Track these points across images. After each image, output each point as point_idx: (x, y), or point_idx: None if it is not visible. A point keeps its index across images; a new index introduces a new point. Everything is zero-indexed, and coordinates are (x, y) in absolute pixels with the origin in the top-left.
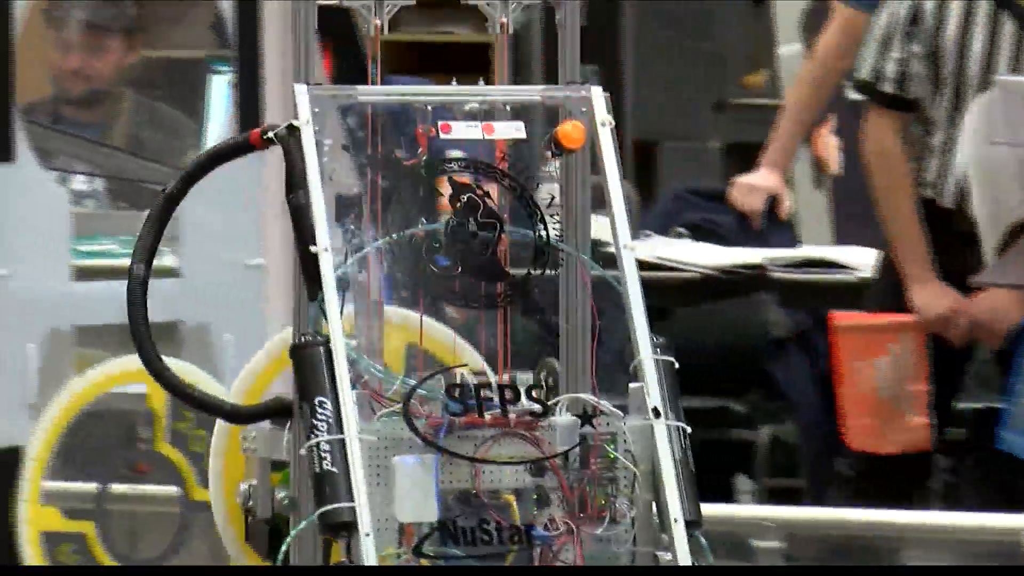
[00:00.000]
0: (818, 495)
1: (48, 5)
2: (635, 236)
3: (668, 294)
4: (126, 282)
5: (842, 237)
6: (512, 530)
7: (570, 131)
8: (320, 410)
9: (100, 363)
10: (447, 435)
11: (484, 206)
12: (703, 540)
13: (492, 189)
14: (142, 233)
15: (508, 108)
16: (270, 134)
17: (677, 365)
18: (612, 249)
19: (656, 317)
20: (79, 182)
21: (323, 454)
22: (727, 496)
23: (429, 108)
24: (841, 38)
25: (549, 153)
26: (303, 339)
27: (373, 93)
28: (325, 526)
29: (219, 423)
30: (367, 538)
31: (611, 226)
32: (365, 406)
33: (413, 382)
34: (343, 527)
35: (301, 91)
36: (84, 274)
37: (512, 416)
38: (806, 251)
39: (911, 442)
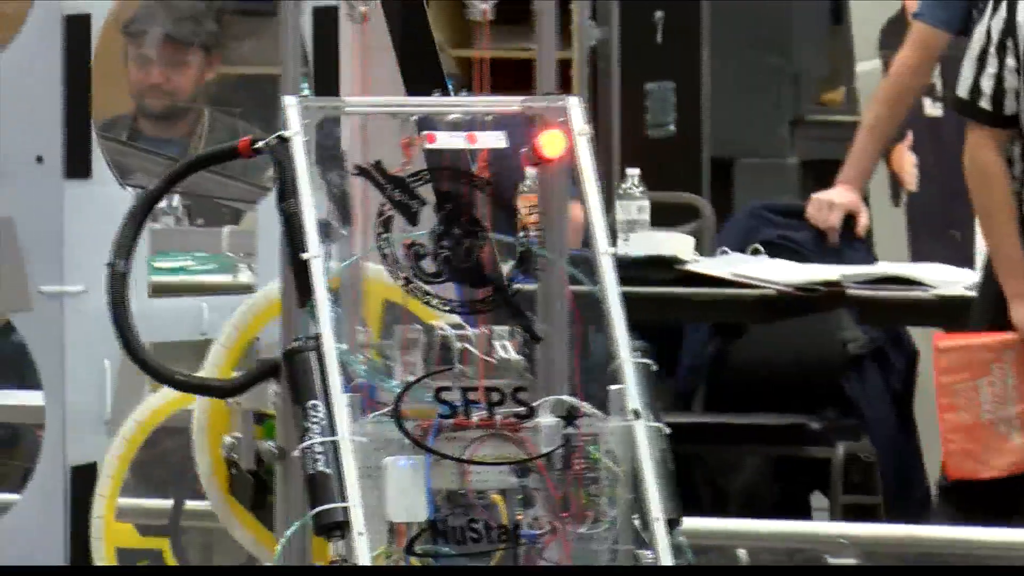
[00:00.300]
0: (894, 512)
1: (127, 20)
2: (712, 253)
3: (744, 311)
4: (109, 285)
5: (918, 254)
6: (500, 529)
7: (549, 141)
8: (313, 413)
9: None
10: (436, 437)
11: (468, 214)
12: (682, 538)
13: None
14: (122, 229)
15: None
16: (259, 144)
17: (655, 367)
18: (689, 267)
19: (732, 334)
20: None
21: (316, 456)
22: (803, 513)
23: (413, 119)
24: (917, 55)
25: (530, 162)
26: (296, 343)
27: (360, 104)
28: (319, 526)
29: (204, 371)
30: (361, 537)
31: (590, 233)
32: (356, 408)
33: (404, 384)
34: (337, 527)
35: (291, 103)
36: (160, 291)
37: (498, 418)
38: (882, 268)
39: (1013, 465)
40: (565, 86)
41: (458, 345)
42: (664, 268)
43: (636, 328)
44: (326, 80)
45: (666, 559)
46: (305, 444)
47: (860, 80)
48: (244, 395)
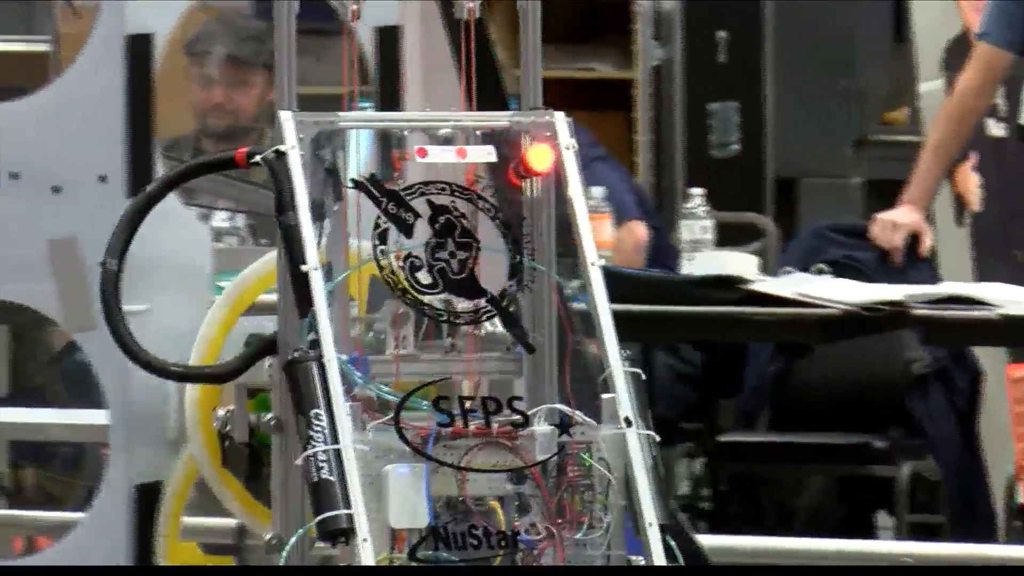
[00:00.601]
0: (959, 531)
1: (190, 40)
2: (776, 273)
3: (808, 331)
4: (101, 283)
5: (982, 274)
6: (499, 535)
7: (537, 155)
8: (316, 422)
9: None
10: (435, 444)
11: (461, 227)
12: (672, 543)
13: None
14: (116, 230)
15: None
16: (257, 158)
17: (644, 377)
18: (753, 287)
19: (796, 354)
20: (220, 219)
21: (320, 464)
22: (868, 532)
23: (406, 133)
24: (981, 75)
25: (517, 177)
26: (296, 354)
27: (353, 119)
28: (324, 532)
29: (193, 351)
30: (364, 543)
31: (578, 245)
32: (357, 418)
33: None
34: (341, 533)
35: (286, 117)
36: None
37: (495, 426)
38: (946, 288)
39: None
40: (629, 105)
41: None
42: (728, 288)
43: (700, 347)
44: (390, 97)
45: (658, 563)
46: (309, 452)
47: (923, 100)
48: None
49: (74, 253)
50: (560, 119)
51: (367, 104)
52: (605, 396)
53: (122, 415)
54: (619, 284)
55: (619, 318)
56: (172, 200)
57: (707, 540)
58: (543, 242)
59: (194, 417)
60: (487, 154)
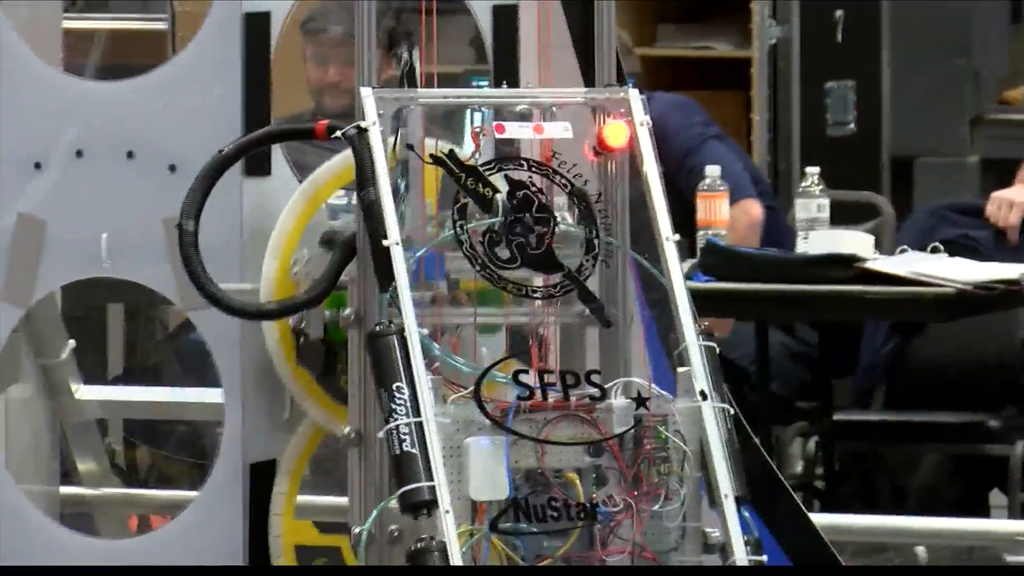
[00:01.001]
0: None
1: (305, 18)
2: (891, 251)
3: (923, 309)
4: (180, 243)
5: None
6: (578, 507)
7: (613, 132)
8: (398, 395)
9: None
10: (514, 418)
11: (538, 202)
12: (748, 514)
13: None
14: (191, 192)
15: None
16: (338, 133)
17: (719, 350)
18: (868, 265)
19: (911, 332)
20: (335, 196)
21: (402, 436)
22: (982, 511)
23: (484, 109)
24: None
25: (593, 152)
26: (378, 327)
27: (432, 96)
28: (406, 505)
29: (269, 245)
30: (447, 515)
31: (652, 219)
32: (438, 391)
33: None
34: (423, 505)
35: (367, 94)
36: (339, 288)
37: (573, 400)
38: None
39: None
40: (746, 84)
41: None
42: (843, 266)
43: (815, 326)
44: (508, 76)
45: (735, 535)
46: (391, 425)
47: None
48: (312, 266)
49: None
50: (635, 96)
51: (484, 83)
52: (681, 369)
53: (236, 394)
54: (736, 263)
55: (736, 297)
56: (287, 177)
57: (820, 519)
58: (618, 217)
59: None
60: (563, 130)
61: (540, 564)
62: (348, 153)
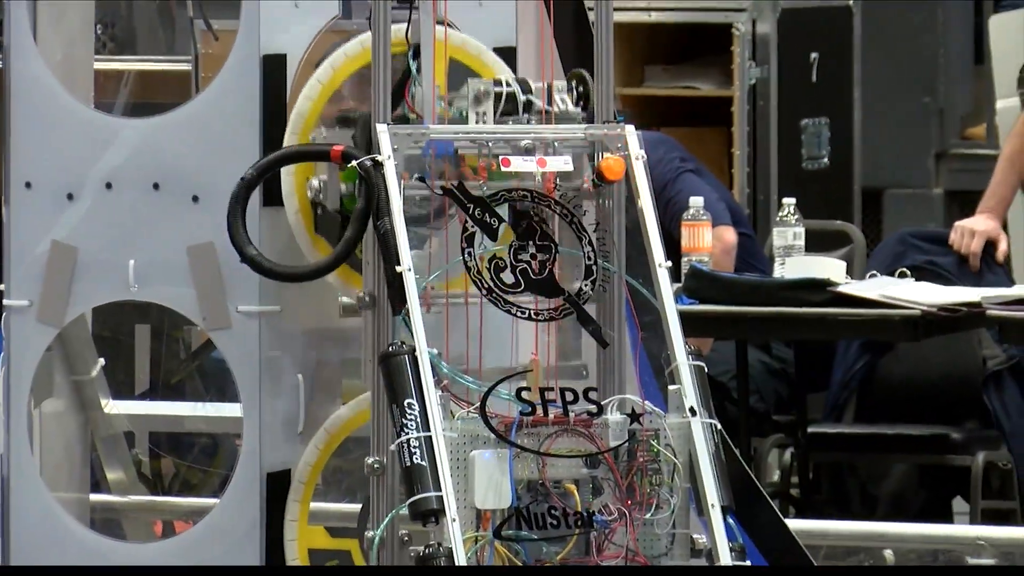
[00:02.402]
0: None
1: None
2: (862, 276)
3: (892, 330)
4: (253, 269)
5: None
6: (576, 515)
7: (611, 165)
8: (408, 411)
9: (364, 393)
10: (517, 432)
11: (541, 231)
12: (733, 522)
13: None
14: (232, 226)
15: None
16: (354, 163)
17: (707, 369)
18: (841, 289)
19: (881, 351)
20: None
21: (412, 449)
22: (946, 517)
23: (491, 144)
24: None
25: (591, 184)
26: (391, 348)
27: (443, 132)
28: (415, 513)
29: (288, 128)
30: (454, 523)
31: (646, 247)
32: (446, 407)
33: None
34: (431, 513)
35: (382, 130)
36: (349, 310)
37: (572, 415)
38: (1020, 290)
39: None
40: (728, 121)
41: (523, 98)
42: (818, 290)
43: (792, 345)
44: None
45: (721, 541)
46: (402, 439)
47: (1000, 116)
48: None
49: (212, 258)
50: (631, 132)
51: None
52: (671, 387)
53: (255, 408)
54: (718, 287)
55: (718, 318)
56: None
57: (796, 524)
58: (614, 245)
59: (290, 186)
60: (564, 163)
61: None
62: (363, 38)
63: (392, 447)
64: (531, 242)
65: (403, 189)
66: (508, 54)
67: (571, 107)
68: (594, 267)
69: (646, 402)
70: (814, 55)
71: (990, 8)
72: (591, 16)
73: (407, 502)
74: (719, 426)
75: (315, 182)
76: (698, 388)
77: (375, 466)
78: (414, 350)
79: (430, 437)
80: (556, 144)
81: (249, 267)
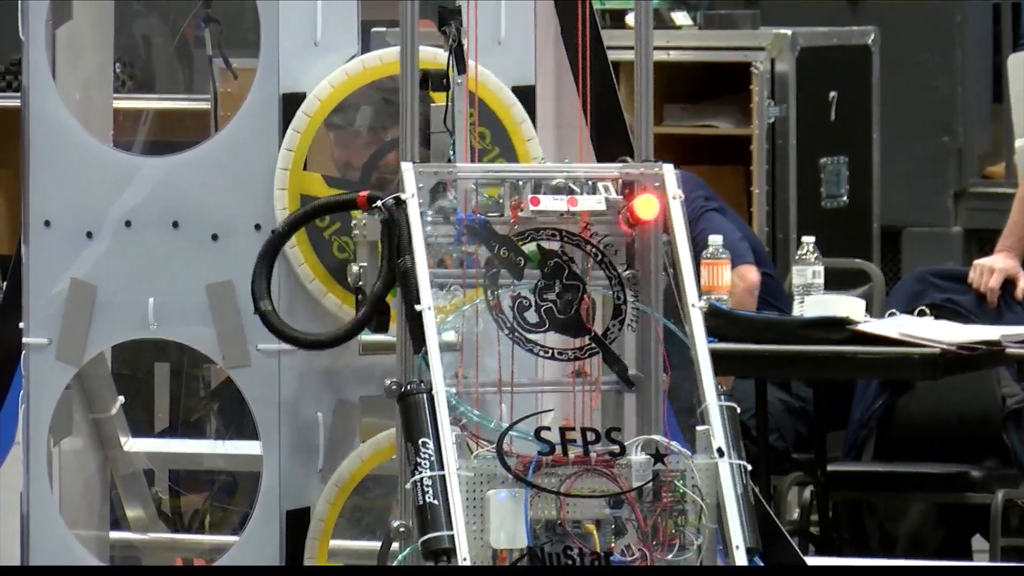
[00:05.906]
0: None
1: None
2: (881, 315)
3: (911, 368)
4: (264, 324)
5: None
6: (593, 556)
7: (644, 204)
8: (423, 449)
9: (383, 431)
10: (535, 472)
11: (569, 270)
12: (760, 562)
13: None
14: (256, 275)
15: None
16: (378, 203)
17: (739, 410)
18: (860, 327)
19: (900, 389)
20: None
21: (426, 488)
22: (965, 555)
23: (520, 183)
24: None
25: (626, 224)
26: (409, 386)
27: (471, 171)
28: (427, 552)
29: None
30: (464, 563)
31: (678, 288)
32: (463, 445)
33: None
34: (443, 552)
35: (407, 168)
36: (370, 349)
37: (593, 455)
38: None
39: None
40: (747, 159)
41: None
42: (837, 328)
43: (811, 384)
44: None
45: None
46: (416, 477)
47: (1018, 155)
48: (368, 229)
49: (231, 296)
50: (668, 171)
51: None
52: (700, 428)
53: (274, 446)
54: (738, 325)
55: (737, 356)
56: None
57: (815, 561)
58: (650, 285)
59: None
60: (596, 203)
61: None
62: (346, 67)
63: (407, 485)
64: (558, 281)
65: (426, 226)
66: (526, 93)
67: (614, 194)
68: (624, 307)
69: (672, 442)
70: (833, 94)
71: (1008, 47)
72: (631, 56)
73: (419, 540)
74: (748, 467)
75: (355, 268)
76: (729, 429)
77: (400, 530)
78: (431, 389)
79: (444, 476)
80: (589, 183)
81: (260, 321)
